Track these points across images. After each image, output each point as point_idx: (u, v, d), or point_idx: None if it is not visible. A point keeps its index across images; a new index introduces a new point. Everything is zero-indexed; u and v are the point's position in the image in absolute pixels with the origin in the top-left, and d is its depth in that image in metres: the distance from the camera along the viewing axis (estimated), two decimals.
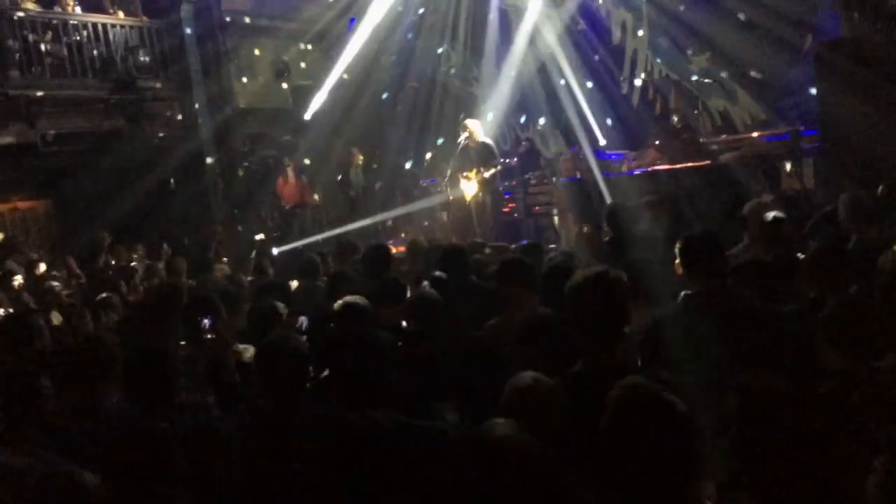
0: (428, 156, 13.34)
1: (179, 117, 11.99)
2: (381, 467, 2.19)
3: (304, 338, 4.05)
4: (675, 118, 11.20)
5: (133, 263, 8.81)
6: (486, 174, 9.07)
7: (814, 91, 7.77)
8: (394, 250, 6.18)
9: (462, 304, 3.88)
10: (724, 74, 11.93)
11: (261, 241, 10.81)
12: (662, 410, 1.80)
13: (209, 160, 12.10)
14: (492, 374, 2.79)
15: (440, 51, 13.65)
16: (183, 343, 3.80)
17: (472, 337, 3.36)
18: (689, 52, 12.17)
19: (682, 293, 3.32)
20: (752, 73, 11.44)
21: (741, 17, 11.13)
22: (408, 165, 13.48)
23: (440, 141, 12.83)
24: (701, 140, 10.87)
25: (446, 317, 3.75)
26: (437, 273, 4.45)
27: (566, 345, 2.86)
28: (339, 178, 12.73)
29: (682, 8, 11.78)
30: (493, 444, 1.66)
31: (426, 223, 12.09)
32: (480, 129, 9.35)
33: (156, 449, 2.38)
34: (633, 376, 2.03)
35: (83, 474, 2.28)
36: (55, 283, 7.14)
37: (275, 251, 10.05)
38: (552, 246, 8.59)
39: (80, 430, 3.01)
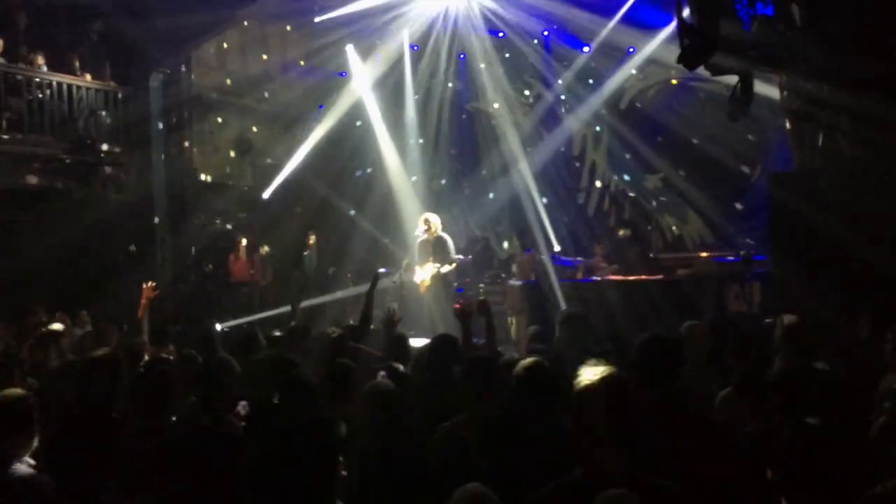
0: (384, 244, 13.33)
1: (134, 184, 11.76)
2: None
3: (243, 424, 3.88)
4: (621, 231, 11.53)
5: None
6: (443, 269, 9.05)
7: (763, 219, 8.05)
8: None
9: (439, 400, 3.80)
10: (675, 196, 12.41)
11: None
12: None
13: (160, 230, 11.83)
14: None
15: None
16: None
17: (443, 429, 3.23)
18: (645, 171, 12.68)
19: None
20: (701, 199, 11.93)
21: (694, 142, 11.71)
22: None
23: (394, 231, 12.88)
24: (651, 255, 11.16)
25: (401, 411, 3.63)
26: (395, 364, 4.33)
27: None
28: (292, 259, 12.60)
29: (637, 130, 12.35)
30: None
31: (375, 311, 11.90)
32: (440, 223, 9.40)
33: None
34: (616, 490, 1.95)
35: None
36: None
37: (218, 327, 9.72)
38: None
39: None
